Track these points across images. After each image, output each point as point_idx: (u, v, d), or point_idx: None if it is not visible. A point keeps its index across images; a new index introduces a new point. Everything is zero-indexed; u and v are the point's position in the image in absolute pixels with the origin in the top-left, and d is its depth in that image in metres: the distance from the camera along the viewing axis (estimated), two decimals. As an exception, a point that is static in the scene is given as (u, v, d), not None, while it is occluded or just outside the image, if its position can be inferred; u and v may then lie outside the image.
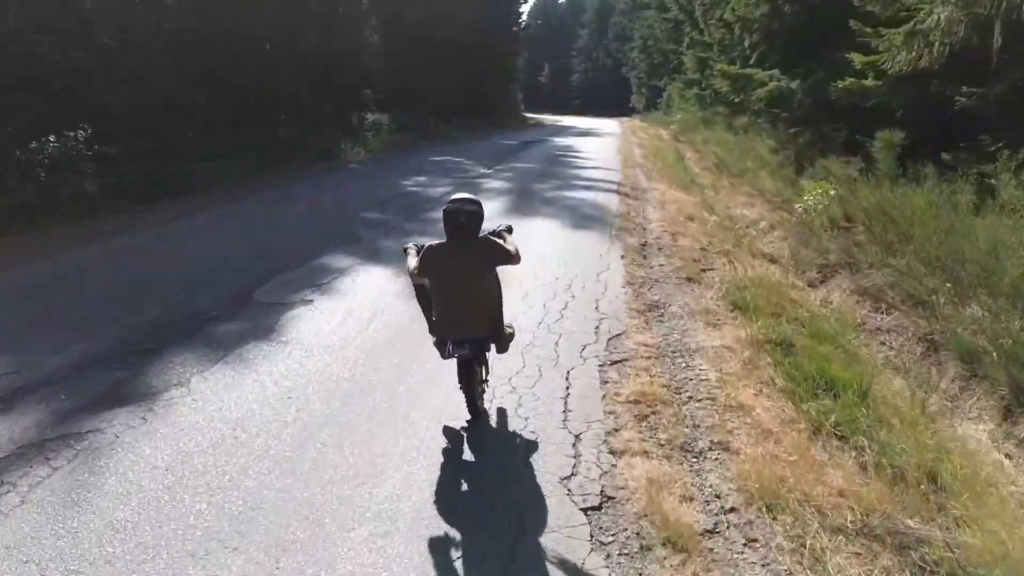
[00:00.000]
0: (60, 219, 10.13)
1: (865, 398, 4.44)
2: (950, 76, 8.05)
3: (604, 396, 4.61)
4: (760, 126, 19.05)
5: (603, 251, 8.47)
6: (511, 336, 4.41)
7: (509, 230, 4.33)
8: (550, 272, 7.41)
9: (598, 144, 24.92)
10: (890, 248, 7.26)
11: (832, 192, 9.37)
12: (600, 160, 18.47)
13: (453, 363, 4.10)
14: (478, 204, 3.95)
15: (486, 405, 4.40)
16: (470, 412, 4.17)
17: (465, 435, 4.14)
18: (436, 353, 4.20)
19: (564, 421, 4.26)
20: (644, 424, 4.28)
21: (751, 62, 16.31)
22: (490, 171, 16.03)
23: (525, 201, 11.92)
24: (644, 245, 8.89)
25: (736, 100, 17.01)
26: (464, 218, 3.87)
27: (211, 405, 4.38)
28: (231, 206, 11.47)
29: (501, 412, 4.40)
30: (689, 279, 7.35)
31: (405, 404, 4.44)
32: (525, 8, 63.58)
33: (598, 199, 12.30)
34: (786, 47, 14.62)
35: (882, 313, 6.36)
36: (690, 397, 4.68)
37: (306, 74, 22.02)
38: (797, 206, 9.84)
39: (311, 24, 22.28)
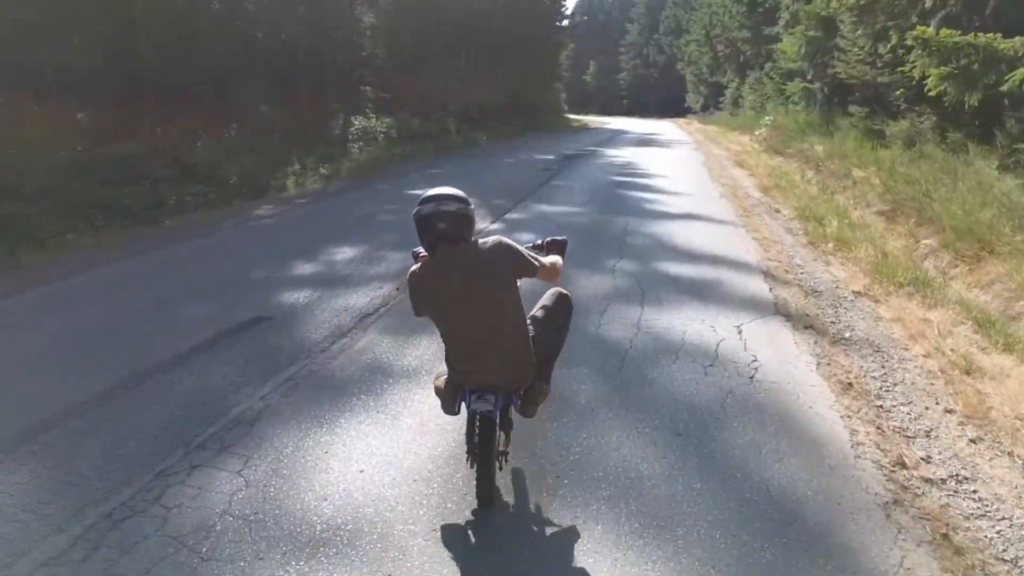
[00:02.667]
0: None
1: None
2: None
3: None
4: (949, 140, 11.39)
5: None
6: (545, 396, 2.81)
7: (563, 245, 3.02)
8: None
9: (670, 160, 17.17)
10: None
11: None
12: (691, 196, 10.76)
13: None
14: (462, 200, 2.65)
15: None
16: (479, 497, 2.65)
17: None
18: None
19: None
20: None
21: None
22: (495, 225, 8.50)
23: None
24: None
25: (947, 96, 9.18)
26: (444, 224, 2.58)
27: None
28: None
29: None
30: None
31: None
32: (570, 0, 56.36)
33: (764, 358, 4.25)
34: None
35: None
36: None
37: (257, 64, 15.23)
38: None
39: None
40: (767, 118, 22.97)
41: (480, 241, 2.66)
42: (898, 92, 14.32)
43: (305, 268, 6.40)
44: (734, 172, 13.79)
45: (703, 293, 5.52)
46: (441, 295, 2.62)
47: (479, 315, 2.57)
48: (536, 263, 2.68)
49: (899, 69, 10.42)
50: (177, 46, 12.50)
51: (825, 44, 17.84)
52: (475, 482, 2.65)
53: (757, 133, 23.12)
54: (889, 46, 13.24)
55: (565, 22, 48.13)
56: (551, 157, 17.29)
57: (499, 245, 2.63)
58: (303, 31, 16.57)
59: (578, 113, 64.36)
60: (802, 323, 4.82)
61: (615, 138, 27.12)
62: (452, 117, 26.85)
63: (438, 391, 2.82)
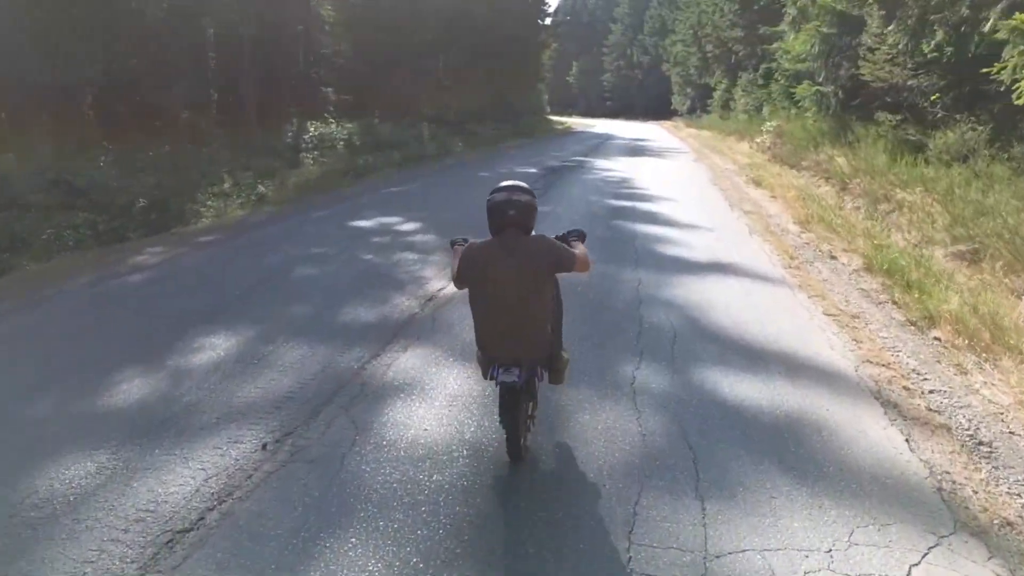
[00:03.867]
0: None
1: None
2: None
3: None
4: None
5: None
6: (567, 362, 3.31)
7: (581, 236, 3.27)
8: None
9: (672, 175, 14.64)
10: None
11: None
12: (713, 232, 8.09)
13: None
14: (531, 193, 3.07)
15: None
16: (510, 454, 3.10)
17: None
18: None
19: None
20: None
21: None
22: (449, 290, 5.61)
23: None
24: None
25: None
26: (515, 211, 2.97)
27: None
28: None
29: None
30: None
31: None
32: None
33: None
34: None
35: None
36: None
37: (184, 62, 12.63)
38: None
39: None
40: (769, 123, 20.70)
41: (536, 235, 3.04)
42: (933, 97, 12.11)
43: (114, 398, 3.77)
44: (752, 193, 11.39)
45: (800, 461, 3.08)
46: (494, 273, 2.91)
47: (520, 299, 2.91)
48: (579, 259, 3.01)
49: (984, 71, 8.10)
50: (71, 37, 9.88)
51: (841, 42, 15.57)
52: (506, 441, 3.08)
53: (759, 140, 20.85)
54: (933, 43, 10.96)
55: (548, 21, 45.71)
56: (533, 171, 14.82)
57: (547, 242, 3.01)
58: (242, 19, 13.95)
59: (561, 115, 61.98)
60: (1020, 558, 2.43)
61: (603, 145, 24.66)
62: (427, 122, 24.32)
63: (479, 361, 3.16)
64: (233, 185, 12.19)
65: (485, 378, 3.10)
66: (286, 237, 8.01)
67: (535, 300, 2.93)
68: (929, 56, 11.64)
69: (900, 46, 11.99)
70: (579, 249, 3.10)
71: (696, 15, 40.70)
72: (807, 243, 7.44)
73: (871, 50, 13.12)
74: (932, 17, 10.93)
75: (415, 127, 22.78)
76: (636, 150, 21.76)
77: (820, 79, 16.62)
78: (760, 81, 28.31)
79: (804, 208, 9.16)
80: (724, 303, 5.29)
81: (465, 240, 3.21)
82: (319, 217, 9.36)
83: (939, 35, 10.88)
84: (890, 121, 13.00)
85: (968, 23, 10.32)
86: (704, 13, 37.79)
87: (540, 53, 41.47)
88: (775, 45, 27.35)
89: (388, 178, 14.15)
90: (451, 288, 4.95)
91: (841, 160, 13.82)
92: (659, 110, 57.73)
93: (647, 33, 63.76)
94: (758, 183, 12.02)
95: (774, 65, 20.88)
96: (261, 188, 12.29)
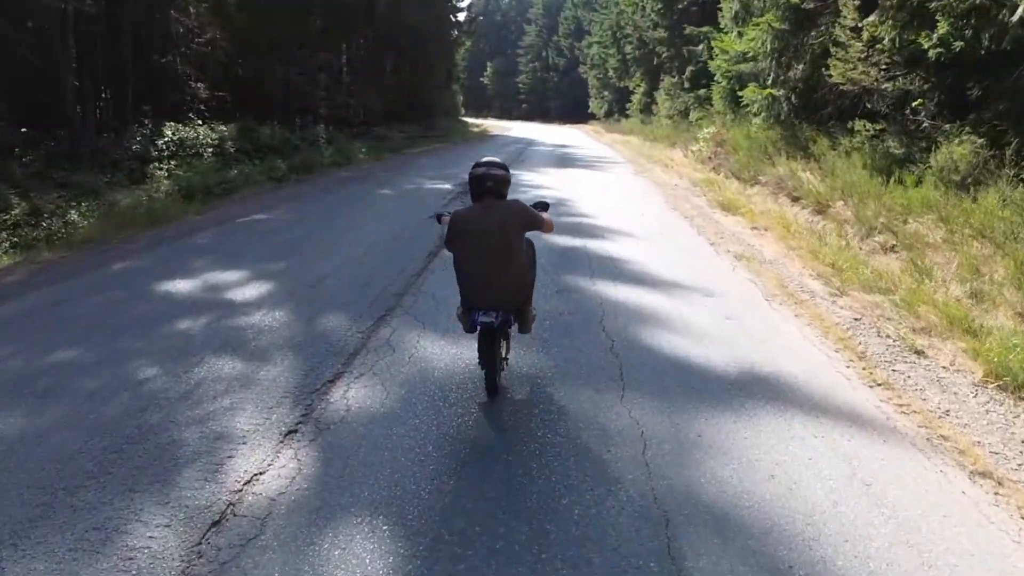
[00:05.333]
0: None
1: None
2: None
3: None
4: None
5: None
6: (534, 317, 3.95)
7: (544, 207, 3.91)
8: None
9: (619, 197, 11.44)
10: None
11: None
12: (721, 301, 5.22)
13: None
14: (505, 168, 3.70)
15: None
16: (488, 390, 3.64)
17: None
18: None
19: None
20: None
21: None
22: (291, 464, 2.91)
23: None
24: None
25: None
26: (492, 183, 3.60)
27: None
28: None
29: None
30: None
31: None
32: (465, -7, 51.58)
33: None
34: None
35: None
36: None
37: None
38: None
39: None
40: (706, 130, 18.60)
41: (510, 199, 3.65)
42: (916, 103, 10.09)
43: None
44: (726, 222, 8.80)
45: None
46: (476, 231, 3.48)
47: (499, 251, 3.48)
48: (545, 221, 3.67)
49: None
50: None
51: (795, 40, 13.52)
52: (483, 379, 3.63)
53: (694, 149, 18.74)
54: (936, 37, 8.81)
55: (462, 16, 42.66)
56: (448, 187, 11.85)
57: (519, 205, 3.60)
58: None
59: (476, 116, 59.12)
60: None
61: (525, 152, 21.86)
62: (324, 124, 20.82)
63: (459, 317, 3.65)
64: (27, 214, 8.56)
65: (467, 331, 3.62)
66: (24, 325, 4.68)
67: (513, 249, 3.52)
68: (915, 54, 9.59)
69: (885, 41, 9.82)
70: (545, 215, 3.73)
71: (615, 15, 38.80)
72: (858, 319, 4.88)
73: (842, 46, 10.97)
74: (933, 5, 8.74)
75: (309, 129, 19.27)
76: (564, 159, 19.04)
77: (768, 81, 14.51)
78: (686, 84, 26.50)
79: (807, 247, 6.69)
80: (843, 540, 2.53)
81: (447, 214, 3.71)
82: (115, 274, 6.01)
83: (942, 28, 8.70)
84: (865, 131, 10.91)
85: (979, 12, 8.23)
86: (623, 14, 35.86)
87: (454, 51, 38.38)
88: (700, 48, 25.73)
89: (259, 197, 10.79)
90: (276, 483, 2.08)
91: (807, 175, 11.65)
92: (575, 113, 55.86)
93: (562, 35, 61.96)
94: (726, 207, 9.54)
95: (711, 66, 18.75)
96: (75, 215, 8.73)
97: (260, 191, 11.54)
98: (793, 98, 13.73)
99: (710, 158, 16.92)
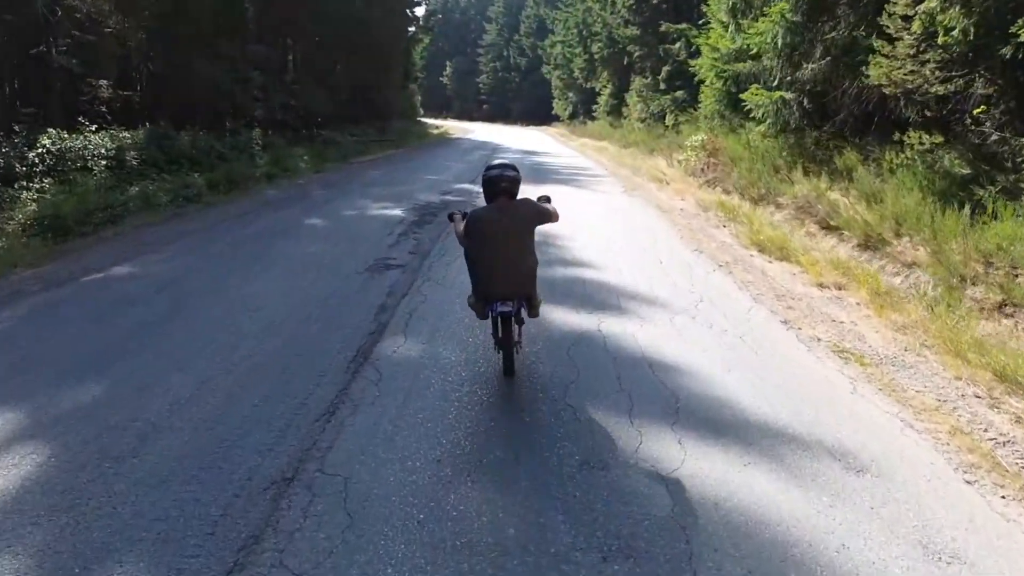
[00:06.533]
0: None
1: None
2: None
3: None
4: None
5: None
6: (540, 301, 4.24)
7: (548, 200, 4.24)
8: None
9: (611, 223, 8.62)
10: None
11: None
12: (850, 465, 2.90)
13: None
14: (516, 170, 3.98)
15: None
16: (506, 371, 3.99)
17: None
18: None
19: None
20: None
21: None
22: None
23: None
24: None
25: None
26: (506, 183, 3.89)
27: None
28: None
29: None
30: None
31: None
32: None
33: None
34: None
35: None
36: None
37: None
38: None
39: None
40: (695, 137, 16.38)
41: (521, 199, 3.96)
42: (977, 110, 8.00)
43: None
44: (784, 278, 6.23)
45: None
46: (491, 228, 3.78)
47: (512, 246, 3.81)
48: (552, 213, 3.99)
49: None
50: None
51: (810, 34, 11.39)
52: (501, 361, 4.01)
53: (681, 159, 16.51)
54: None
55: (420, 11, 39.70)
56: (398, 213, 9.27)
57: (531, 202, 3.95)
58: None
59: (436, 117, 56.23)
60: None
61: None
62: (260, 128, 17.94)
63: (472, 305, 4.00)
64: None
65: (481, 318, 4.00)
66: None
67: (525, 245, 3.86)
68: (978, 49, 7.50)
69: (956, 32, 7.62)
70: (550, 207, 4.05)
71: (581, 13, 36.54)
72: None
73: (888, 40, 8.78)
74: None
75: (242, 135, 16.38)
76: (537, 171, 16.35)
77: (775, 82, 12.32)
78: (662, 86, 24.35)
79: (922, 326, 4.37)
80: None
81: (463, 212, 4.07)
82: None
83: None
84: (919, 144, 8.76)
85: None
86: (591, 11, 33.60)
87: (411, 48, 35.54)
88: (677, 46, 23.59)
89: (146, 231, 8.03)
90: None
91: (841, 199, 9.46)
92: (539, 114, 53.44)
93: (524, 34, 59.51)
94: (765, 249, 7.18)
95: (695, 65, 16.55)
96: None
97: (156, 219, 8.80)
98: (805, 102, 11.58)
99: (702, 170, 14.71)
